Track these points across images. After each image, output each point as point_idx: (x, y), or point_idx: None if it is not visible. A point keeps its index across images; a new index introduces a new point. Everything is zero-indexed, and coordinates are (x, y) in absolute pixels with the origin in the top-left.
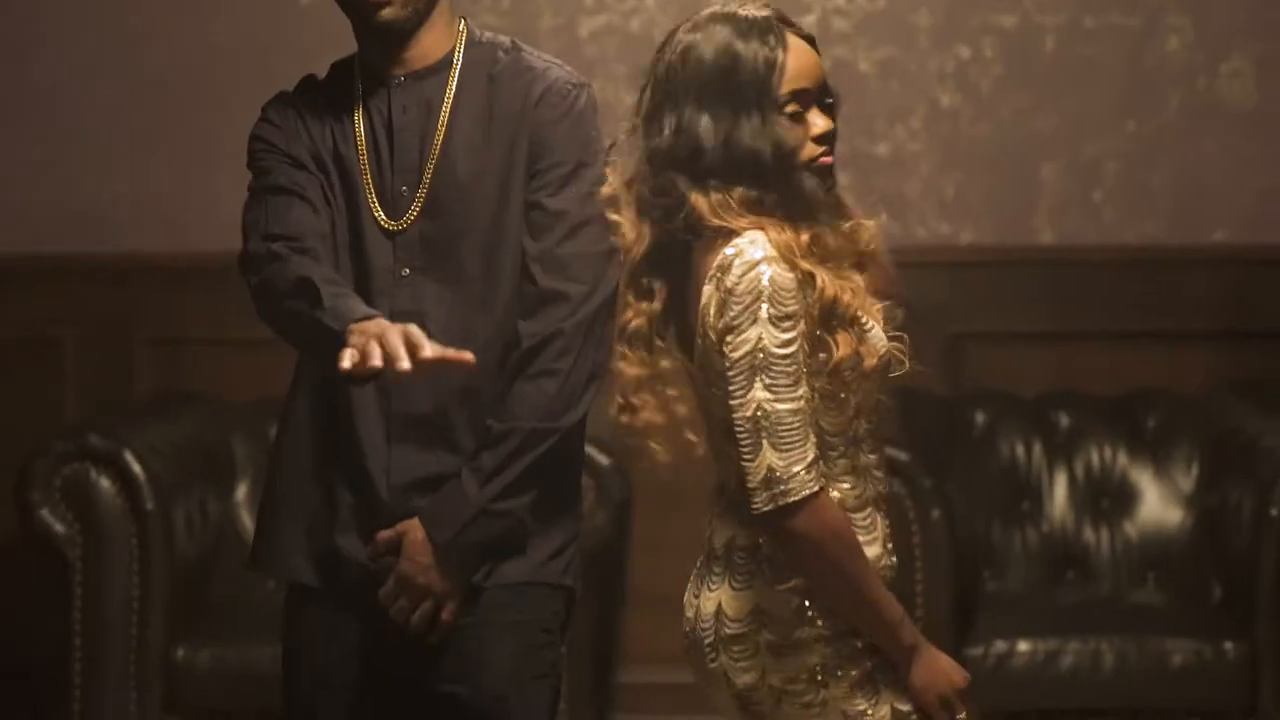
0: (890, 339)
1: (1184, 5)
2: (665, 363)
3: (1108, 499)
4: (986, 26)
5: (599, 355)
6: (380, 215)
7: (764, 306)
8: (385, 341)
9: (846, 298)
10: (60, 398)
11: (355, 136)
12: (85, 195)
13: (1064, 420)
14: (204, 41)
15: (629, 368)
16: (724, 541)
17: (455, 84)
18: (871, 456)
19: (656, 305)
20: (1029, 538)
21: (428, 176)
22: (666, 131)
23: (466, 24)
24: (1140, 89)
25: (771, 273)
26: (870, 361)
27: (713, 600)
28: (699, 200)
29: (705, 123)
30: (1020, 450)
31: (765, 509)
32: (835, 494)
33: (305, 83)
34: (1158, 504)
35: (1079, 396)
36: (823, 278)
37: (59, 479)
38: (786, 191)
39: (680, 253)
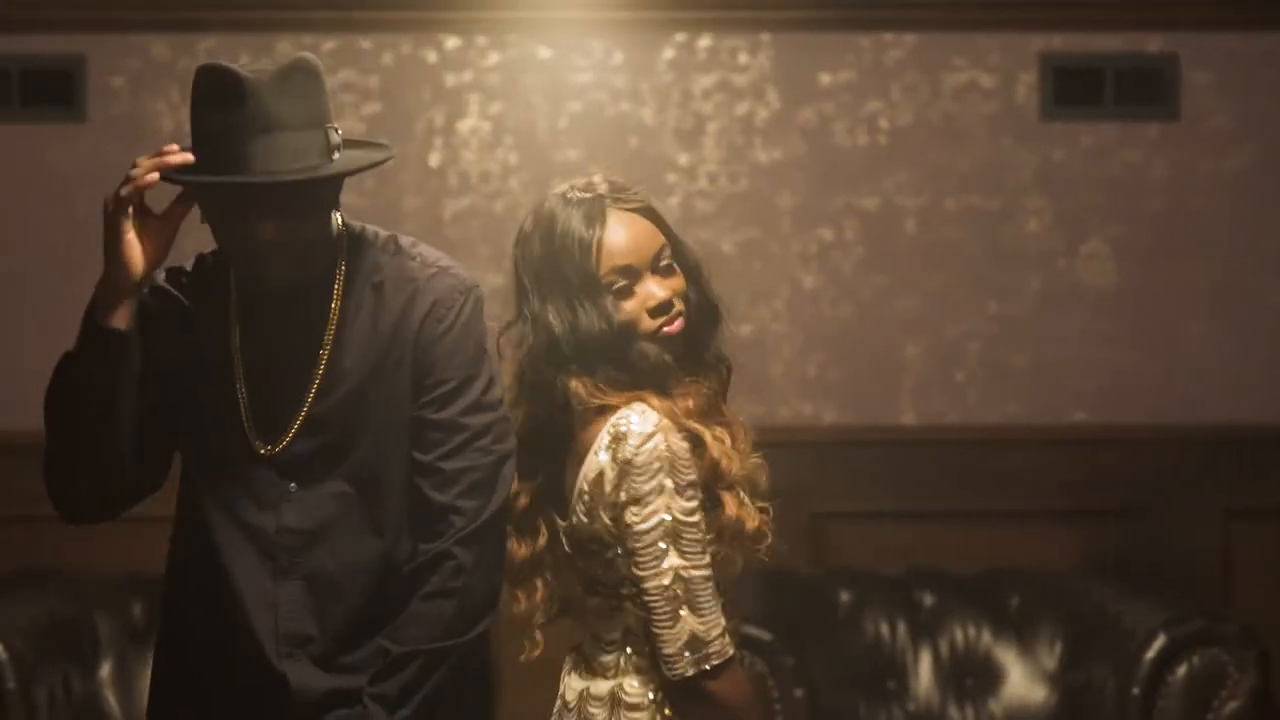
0: (757, 508)
1: (1043, 187)
2: (550, 547)
3: (972, 678)
4: (848, 208)
5: (495, 569)
6: (255, 440)
7: (668, 478)
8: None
9: (726, 461)
10: None
11: (232, 351)
12: None
13: (928, 599)
14: (67, 220)
15: (518, 549)
16: (575, 694)
17: (339, 300)
18: (729, 622)
19: (540, 482)
20: (894, 716)
21: (310, 397)
22: (525, 324)
23: (344, 221)
24: (1001, 270)
25: (669, 442)
26: (752, 524)
27: None
28: (573, 384)
29: (550, 313)
30: (885, 629)
31: (688, 673)
32: None
33: (176, 274)
34: (1022, 682)
35: (942, 575)
36: (708, 439)
37: None
38: (637, 366)
39: (559, 430)
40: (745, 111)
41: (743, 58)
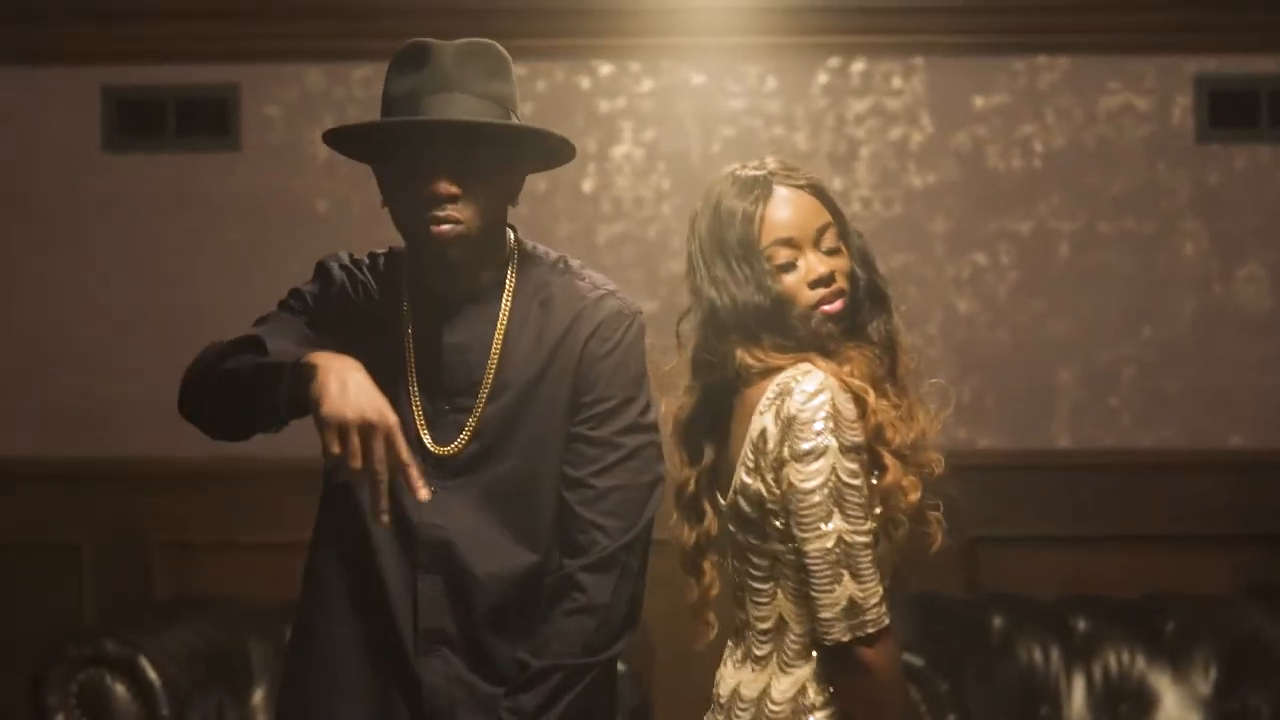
0: (928, 507)
1: (1198, 211)
2: (715, 528)
3: (1126, 704)
4: (1002, 233)
5: (637, 589)
6: (427, 438)
7: (833, 436)
8: (372, 452)
9: (890, 429)
10: (77, 602)
11: (406, 350)
12: (98, 398)
13: (1082, 624)
14: (216, 245)
15: (686, 535)
16: (728, 691)
17: (508, 307)
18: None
19: (707, 464)
20: None
21: (480, 402)
22: (694, 295)
23: (517, 237)
24: (1156, 294)
25: (837, 400)
26: (914, 496)
27: None
28: (739, 352)
29: (712, 286)
30: (1038, 654)
31: (844, 639)
32: None
33: (358, 262)
34: (1176, 708)
35: (1096, 600)
36: (871, 400)
37: (75, 685)
38: (799, 332)
39: (725, 404)
40: (899, 136)
41: (896, 82)
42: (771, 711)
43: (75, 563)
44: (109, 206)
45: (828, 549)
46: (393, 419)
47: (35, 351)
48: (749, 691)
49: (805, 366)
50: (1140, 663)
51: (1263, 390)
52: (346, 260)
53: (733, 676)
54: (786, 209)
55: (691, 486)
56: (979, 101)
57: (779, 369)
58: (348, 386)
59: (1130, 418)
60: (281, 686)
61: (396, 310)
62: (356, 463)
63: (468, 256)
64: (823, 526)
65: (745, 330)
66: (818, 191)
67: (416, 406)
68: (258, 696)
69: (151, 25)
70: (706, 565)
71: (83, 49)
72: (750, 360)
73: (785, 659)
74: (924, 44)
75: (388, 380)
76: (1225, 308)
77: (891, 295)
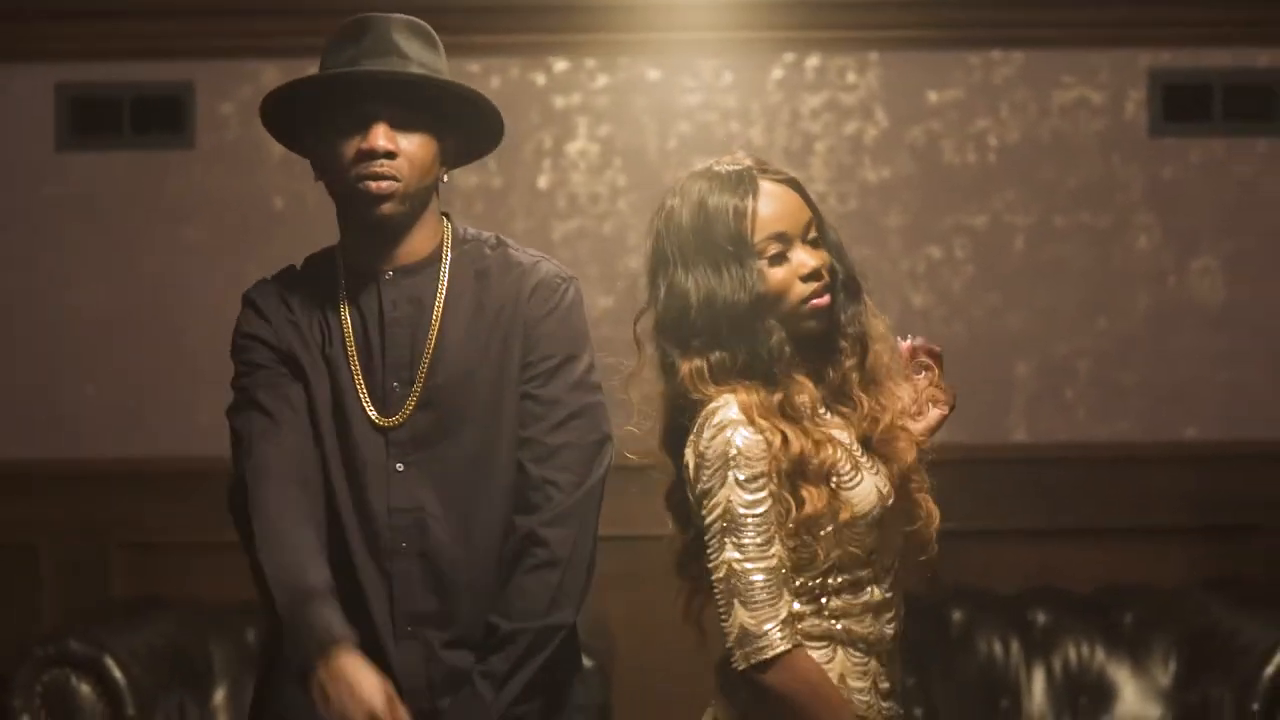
0: (914, 489)
1: (1152, 204)
2: (689, 533)
3: (1086, 696)
4: (958, 227)
5: (591, 545)
6: (372, 413)
7: (731, 470)
8: None
9: (817, 453)
10: (37, 603)
11: (344, 333)
12: (57, 400)
13: (1041, 617)
14: (177, 247)
15: (679, 535)
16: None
17: (446, 279)
18: (857, 602)
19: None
20: None
21: (421, 372)
22: (661, 296)
23: (450, 221)
24: (1111, 288)
25: (737, 436)
26: (845, 515)
27: None
28: (685, 367)
29: (690, 282)
30: (998, 647)
31: (741, 666)
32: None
33: (287, 273)
34: (1136, 700)
35: (1056, 593)
36: (792, 435)
37: (40, 685)
38: (759, 344)
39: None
40: (854, 130)
41: (851, 77)
42: None
43: (32, 563)
44: (64, 206)
45: (721, 578)
46: (381, 704)
47: None
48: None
49: (723, 399)
50: (1100, 655)
51: (1218, 382)
52: (257, 298)
53: (711, 708)
54: (776, 203)
55: (678, 491)
56: (933, 96)
57: (707, 401)
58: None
59: (1086, 411)
60: (257, 680)
61: (333, 292)
62: None
63: (401, 217)
64: (716, 557)
65: (707, 336)
66: (797, 186)
67: (360, 383)
68: (219, 696)
69: (105, 22)
70: (697, 569)
71: (36, 46)
72: (688, 382)
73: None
74: (878, 39)
75: (332, 362)
76: (1180, 301)
77: (863, 285)
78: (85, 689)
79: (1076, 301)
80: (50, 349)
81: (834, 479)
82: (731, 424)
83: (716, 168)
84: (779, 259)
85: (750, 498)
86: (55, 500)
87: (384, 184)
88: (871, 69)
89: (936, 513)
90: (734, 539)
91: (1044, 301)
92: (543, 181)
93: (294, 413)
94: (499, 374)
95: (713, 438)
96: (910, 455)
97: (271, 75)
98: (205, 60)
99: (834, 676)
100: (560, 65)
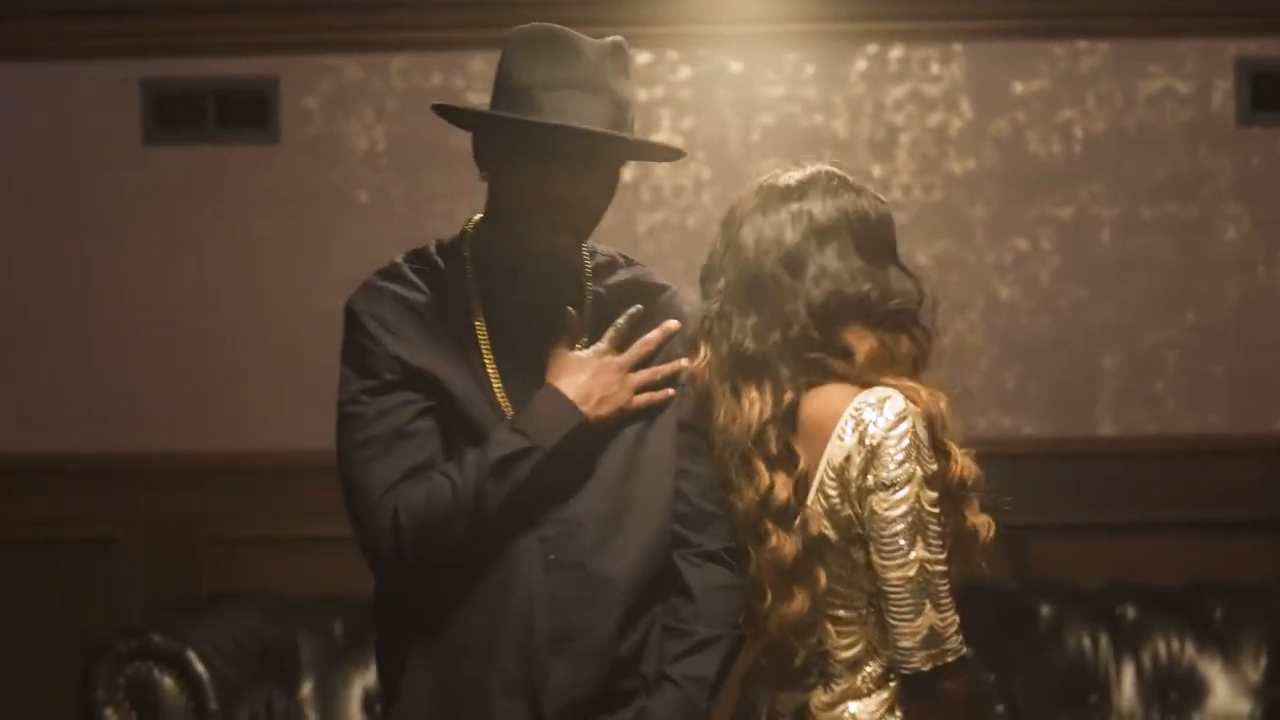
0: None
1: (1240, 194)
2: (814, 530)
3: (1176, 691)
4: (1044, 218)
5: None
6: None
7: (917, 465)
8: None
9: (969, 471)
10: (125, 597)
11: (478, 337)
12: (143, 394)
13: (1130, 612)
14: (256, 238)
15: (786, 546)
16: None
17: (590, 285)
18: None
19: (803, 467)
20: None
21: None
22: (807, 282)
23: None
24: (1198, 279)
25: (918, 428)
26: (987, 534)
27: None
28: (848, 340)
29: (867, 276)
30: (1086, 642)
31: (924, 669)
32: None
33: (395, 273)
34: (1226, 695)
35: (1144, 588)
36: (953, 450)
37: (122, 678)
38: (920, 344)
39: (793, 409)
40: (938, 122)
41: (935, 68)
42: None
43: (122, 557)
44: (149, 200)
45: (910, 577)
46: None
47: (81, 347)
48: (824, 716)
49: (884, 391)
50: (1190, 650)
51: None
52: (378, 282)
53: (796, 699)
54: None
55: (786, 494)
56: (1018, 87)
57: (857, 388)
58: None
59: (1174, 403)
60: (391, 685)
61: (463, 296)
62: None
63: (563, 231)
64: (907, 555)
65: (861, 316)
66: None
67: (497, 386)
68: (306, 689)
69: (190, 19)
70: (820, 573)
71: (122, 43)
72: (843, 365)
73: (862, 686)
74: (962, 30)
75: (466, 366)
76: (1269, 291)
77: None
78: (168, 682)
79: (1164, 293)
80: (137, 343)
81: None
82: (909, 414)
83: (848, 177)
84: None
85: (934, 495)
86: (142, 494)
87: (561, 240)
88: (955, 60)
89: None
90: (924, 537)
91: (1131, 293)
92: (627, 174)
93: (427, 443)
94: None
95: (891, 428)
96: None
97: (354, 70)
98: (290, 55)
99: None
100: (643, 58)
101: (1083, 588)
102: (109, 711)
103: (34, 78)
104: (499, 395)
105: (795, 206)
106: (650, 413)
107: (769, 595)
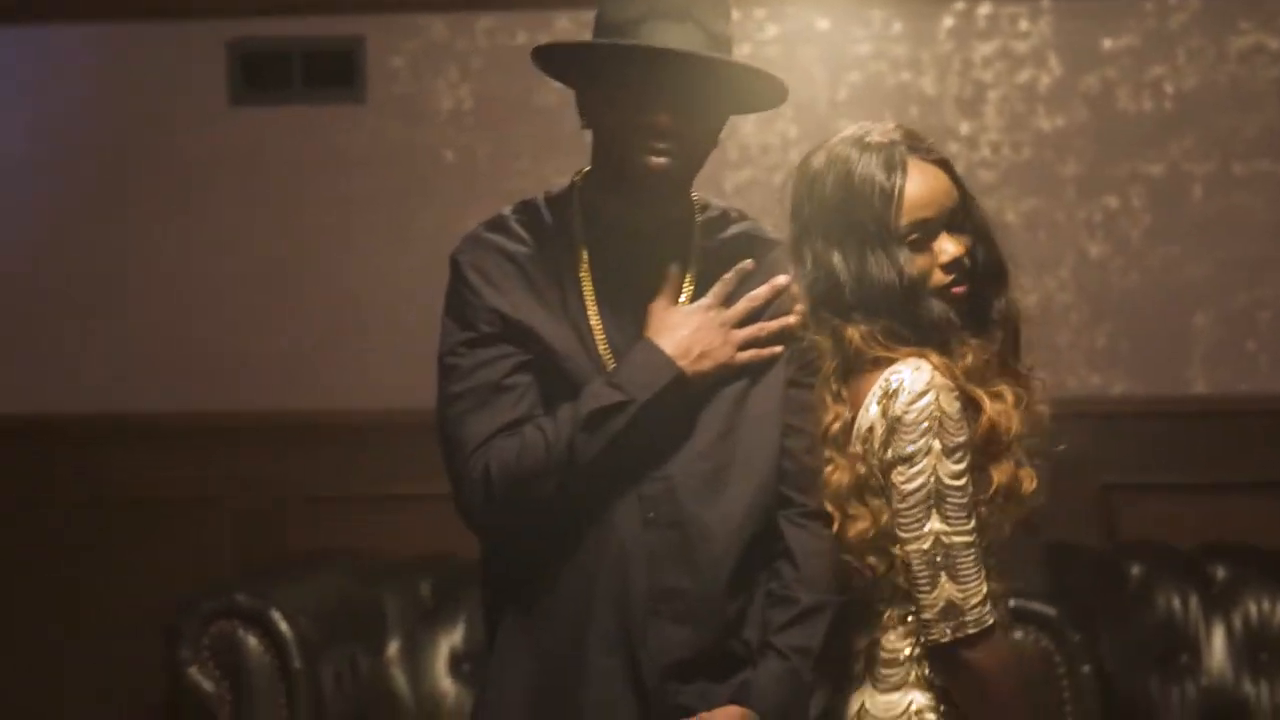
0: (1033, 466)
1: None
2: (863, 468)
3: (1267, 652)
4: (1134, 175)
5: None
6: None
7: (936, 439)
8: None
9: (1004, 422)
10: (217, 557)
11: (581, 289)
12: (229, 354)
13: (1221, 572)
14: (347, 201)
15: (839, 473)
16: (863, 645)
17: (698, 240)
18: (1000, 586)
19: (849, 411)
20: (1187, 692)
21: None
22: (808, 265)
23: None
24: None
25: (942, 401)
26: (1028, 487)
27: (855, 702)
28: (849, 332)
29: (836, 258)
30: (1176, 603)
31: (944, 640)
32: None
33: (500, 225)
34: None
35: (1235, 547)
36: (986, 404)
37: (207, 637)
38: (921, 321)
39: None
40: (1027, 79)
41: (1023, 24)
42: (885, 658)
43: (216, 517)
44: (237, 160)
45: (925, 550)
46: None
47: (174, 306)
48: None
49: (915, 362)
50: None
51: None
52: (483, 233)
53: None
54: (923, 186)
55: (839, 426)
56: (1108, 43)
57: (888, 361)
58: (678, 338)
59: (1268, 361)
60: (490, 648)
61: (571, 247)
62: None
63: (671, 192)
64: (922, 528)
65: (866, 308)
66: (947, 166)
67: (600, 339)
68: (392, 649)
69: None
70: (861, 505)
71: (208, 3)
72: (862, 346)
73: (898, 616)
74: None
75: (570, 317)
76: None
77: (1011, 270)
78: (252, 641)
79: (1257, 251)
80: (224, 303)
81: (1016, 450)
82: (933, 388)
83: (868, 138)
84: (920, 245)
85: (955, 467)
86: (231, 455)
87: (663, 161)
88: (1044, 16)
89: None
90: (940, 510)
91: (1223, 251)
92: None
93: (524, 397)
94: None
95: (912, 401)
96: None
97: (440, 29)
98: (376, 14)
99: None
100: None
101: (1173, 548)
102: (194, 670)
103: (121, 38)
104: (602, 348)
105: (799, 181)
106: (755, 370)
107: (836, 519)
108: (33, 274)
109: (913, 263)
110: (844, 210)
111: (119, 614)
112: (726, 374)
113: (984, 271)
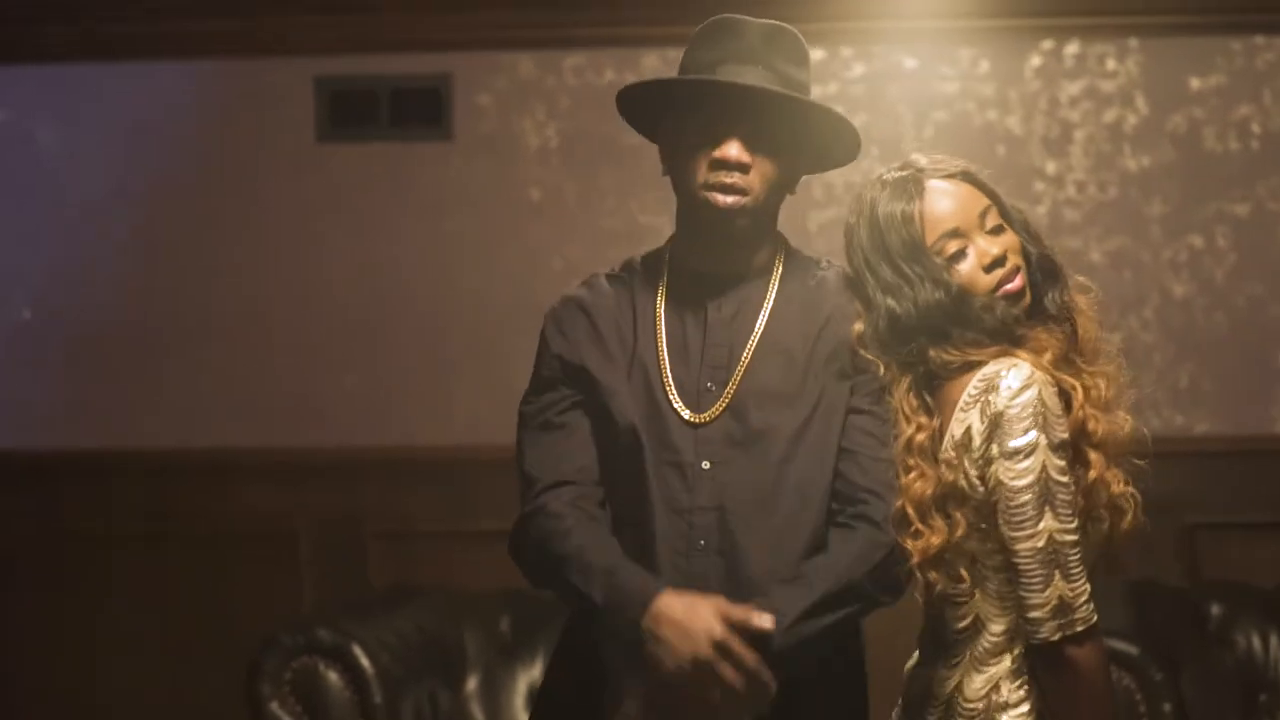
0: (1124, 487)
1: None
2: (950, 477)
3: None
4: (1220, 215)
5: None
6: (684, 411)
7: (1042, 433)
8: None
9: (1093, 421)
10: (297, 591)
11: (657, 330)
12: (315, 390)
13: None
14: (434, 239)
15: (919, 482)
16: (920, 689)
17: (775, 289)
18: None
19: (936, 422)
20: None
21: (738, 374)
22: (867, 308)
23: (784, 239)
24: None
25: (1044, 395)
26: (1118, 488)
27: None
28: (933, 353)
29: (886, 291)
30: (1257, 642)
31: (1053, 638)
32: None
33: (594, 280)
34: None
35: None
36: (1077, 394)
37: (289, 673)
38: (985, 324)
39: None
40: (1114, 118)
41: (1110, 64)
42: (964, 709)
43: (293, 552)
44: (324, 197)
45: (1039, 548)
46: (720, 632)
47: (254, 342)
48: (940, 689)
49: (1009, 360)
50: None
51: None
52: (571, 290)
53: (922, 674)
54: (944, 200)
55: (924, 437)
56: (1195, 83)
57: (979, 363)
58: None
59: None
60: (544, 683)
61: (651, 294)
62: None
63: (746, 230)
64: (1034, 525)
65: (931, 331)
66: (969, 177)
67: (668, 380)
68: (471, 684)
69: (364, 16)
70: (962, 569)
71: (296, 41)
72: (947, 356)
73: (978, 657)
74: (1138, 25)
75: (640, 359)
76: None
77: (1061, 263)
78: (333, 677)
79: None
80: (309, 340)
81: (1107, 447)
82: (1035, 382)
83: (885, 176)
84: (959, 256)
85: (1061, 463)
86: (314, 489)
87: (733, 199)
88: (1131, 55)
89: (1135, 514)
90: (1053, 507)
91: None
92: None
93: (573, 435)
94: (820, 383)
95: (1014, 396)
96: (1128, 426)
97: (527, 67)
98: (463, 52)
99: None
100: (816, 54)
101: (1255, 587)
102: (274, 705)
103: (210, 76)
104: (668, 385)
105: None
106: (816, 404)
107: (911, 527)
108: (121, 307)
109: (955, 274)
110: (879, 249)
111: (199, 649)
112: (783, 410)
113: (1037, 268)
